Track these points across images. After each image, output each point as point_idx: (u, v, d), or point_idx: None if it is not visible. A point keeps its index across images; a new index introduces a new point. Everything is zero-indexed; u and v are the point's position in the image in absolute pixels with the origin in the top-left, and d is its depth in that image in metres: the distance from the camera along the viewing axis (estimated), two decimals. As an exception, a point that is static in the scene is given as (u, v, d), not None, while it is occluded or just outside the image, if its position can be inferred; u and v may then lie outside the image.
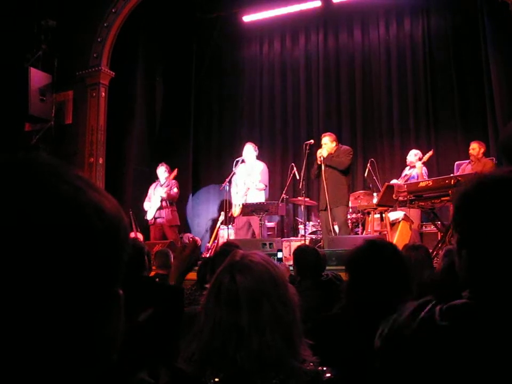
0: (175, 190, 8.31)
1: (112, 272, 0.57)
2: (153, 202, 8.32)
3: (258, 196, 7.82)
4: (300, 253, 3.81)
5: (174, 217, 8.42)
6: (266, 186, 7.98)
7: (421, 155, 7.88)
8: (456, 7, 9.42)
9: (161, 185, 8.34)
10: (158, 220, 8.32)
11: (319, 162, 7.10)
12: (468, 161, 7.56)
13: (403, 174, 8.00)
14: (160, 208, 8.27)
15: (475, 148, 7.37)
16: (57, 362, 0.52)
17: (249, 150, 8.03)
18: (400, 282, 2.00)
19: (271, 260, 1.38)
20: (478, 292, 0.93)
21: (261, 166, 7.94)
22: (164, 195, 8.21)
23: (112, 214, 0.57)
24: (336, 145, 7.24)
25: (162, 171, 8.42)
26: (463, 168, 7.49)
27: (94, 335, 0.55)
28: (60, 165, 0.57)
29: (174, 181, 8.34)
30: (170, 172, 8.41)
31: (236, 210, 7.96)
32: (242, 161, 8.10)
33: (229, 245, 3.03)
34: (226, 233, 8.54)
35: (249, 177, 7.85)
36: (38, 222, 0.50)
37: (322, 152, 7.09)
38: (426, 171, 7.77)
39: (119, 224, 0.58)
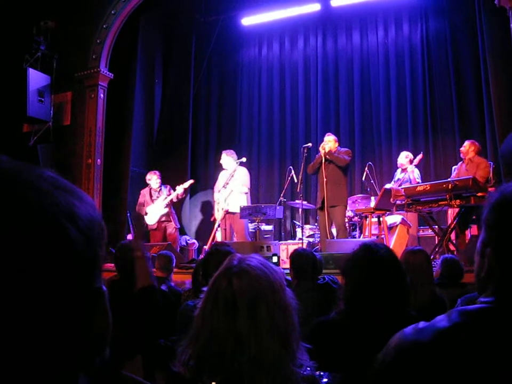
0: (181, 190, 8.34)
1: (89, 271, 0.56)
2: (155, 209, 8.31)
3: (241, 200, 7.84)
4: (296, 256, 3.81)
5: (176, 222, 8.48)
6: (248, 189, 8.03)
7: (411, 157, 7.94)
8: (455, 12, 9.45)
9: (159, 194, 8.36)
10: (163, 224, 8.33)
11: (322, 155, 7.13)
12: (461, 162, 7.59)
13: (395, 178, 8.03)
14: (166, 214, 8.31)
15: (466, 145, 7.39)
16: (44, 360, 0.52)
17: (227, 160, 8.09)
18: (396, 285, 2.00)
19: (268, 263, 1.37)
20: (498, 291, 0.94)
21: (243, 171, 7.99)
22: (174, 198, 8.27)
23: (83, 214, 0.56)
24: (337, 146, 7.33)
25: (154, 180, 8.38)
26: (458, 168, 7.51)
27: (79, 333, 0.54)
28: (22, 168, 0.55)
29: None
30: (161, 179, 8.43)
31: (219, 216, 7.96)
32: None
33: (220, 245, 3.01)
34: (223, 236, 8.53)
35: (231, 182, 7.87)
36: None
37: (325, 147, 7.15)
38: (419, 173, 7.81)
39: (92, 223, 0.57)
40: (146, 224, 8.37)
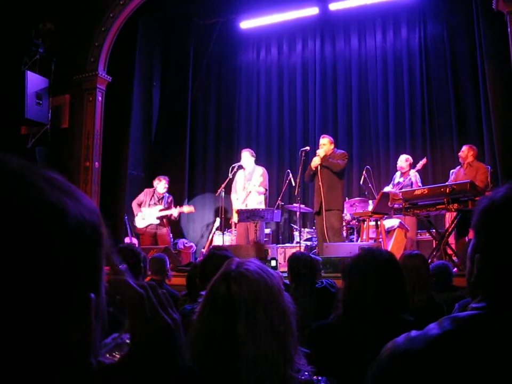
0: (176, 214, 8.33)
1: (75, 274, 0.54)
2: (148, 215, 8.28)
3: (259, 200, 7.81)
4: (294, 260, 3.82)
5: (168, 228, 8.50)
6: (266, 190, 7.99)
7: (411, 160, 7.92)
8: (453, 16, 9.47)
9: (159, 202, 8.35)
10: (151, 228, 8.30)
11: (312, 167, 7.14)
12: (459, 166, 7.58)
13: (395, 181, 8.01)
14: (158, 223, 8.30)
15: (464, 150, 7.41)
16: (24, 367, 0.50)
17: (247, 157, 8.05)
18: (396, 291, 2.00)
19: (266, 268, 1.37)
20: (488, 297, 0.94)
21: (261, 170, 7.96)
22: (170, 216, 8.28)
23: (73, 213, 0.54)
24: (333, 148, 7.31)
25: (162, 185, 8.39)
26: (456, 172, 7.50)
27: (60, 339, 0.52)
28: (22, 165, 0.55)
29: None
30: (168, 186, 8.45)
31: (236, 216, 7.92)
32: (240, 167, 8.11)
33: (218, 249, 3.01)
34: (221, 239, 8.53)
35: (248, 182, 7.86)
36: None
37: (320, 152, 7.14)
38: (419, 178, 7.80)
39: (83, 224, 0.55)
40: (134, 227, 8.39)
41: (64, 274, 0.53)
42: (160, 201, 8.32)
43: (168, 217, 8.32)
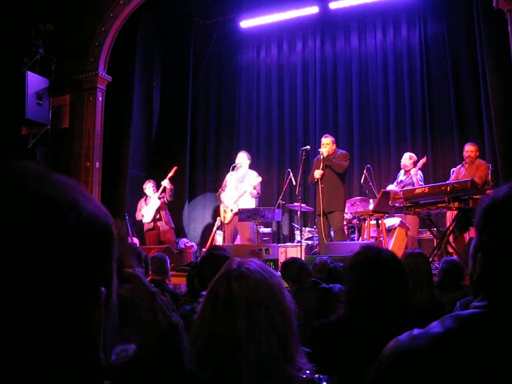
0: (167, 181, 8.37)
1: (86, 267, 0.55)
2: (150, 207, 8.34)
3: (250, 203, 7.82)
4: (283, 269, 4.00)
5: (169, 220, 8.51)
6: (258, 194, 8.00)
7: (415, 158, 7.87)
8: (453, 14, 9.46)
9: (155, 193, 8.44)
10: (158, 223, 8.36)
11: (314, 178, 7.15)
12: (460, 164, 7.53)
13: (398, 180, 7.98)
14: (160, 212, 8.37)
15: (473, 150, 7.32)
16: (36, 358, 0.50)
17: (244, 158, 8.07)
18: (398, 289, 1.99)
19: (268, 267, 1.37)
20: (490, 296, 0.94)
21: (255, 173, 7.97)
22: (166, 196, 8.37)
23: (87, 209, 0.56)
24: (335, 148, 7.32)
25: (149, 187, 8.50)
26: (457, 171, 7.45)
27: (70, 332, 0.53)
28: (37, 168, 0.57)
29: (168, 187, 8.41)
30: (157, 188, 8.50)
31: (227, 217, 7.94)
32: (233, 168, 8.12)
33: (215, 249, 3.01)
34: (222, 238, 8.53)
35: (241, 184, 7.86)
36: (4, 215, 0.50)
37: (323, 151, 7.15)
38: (422, 176, 7.75)
39: (96, 220, 0.57)
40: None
41: (76, 266, 0.54)
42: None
43: (168, 195, 8.38)
